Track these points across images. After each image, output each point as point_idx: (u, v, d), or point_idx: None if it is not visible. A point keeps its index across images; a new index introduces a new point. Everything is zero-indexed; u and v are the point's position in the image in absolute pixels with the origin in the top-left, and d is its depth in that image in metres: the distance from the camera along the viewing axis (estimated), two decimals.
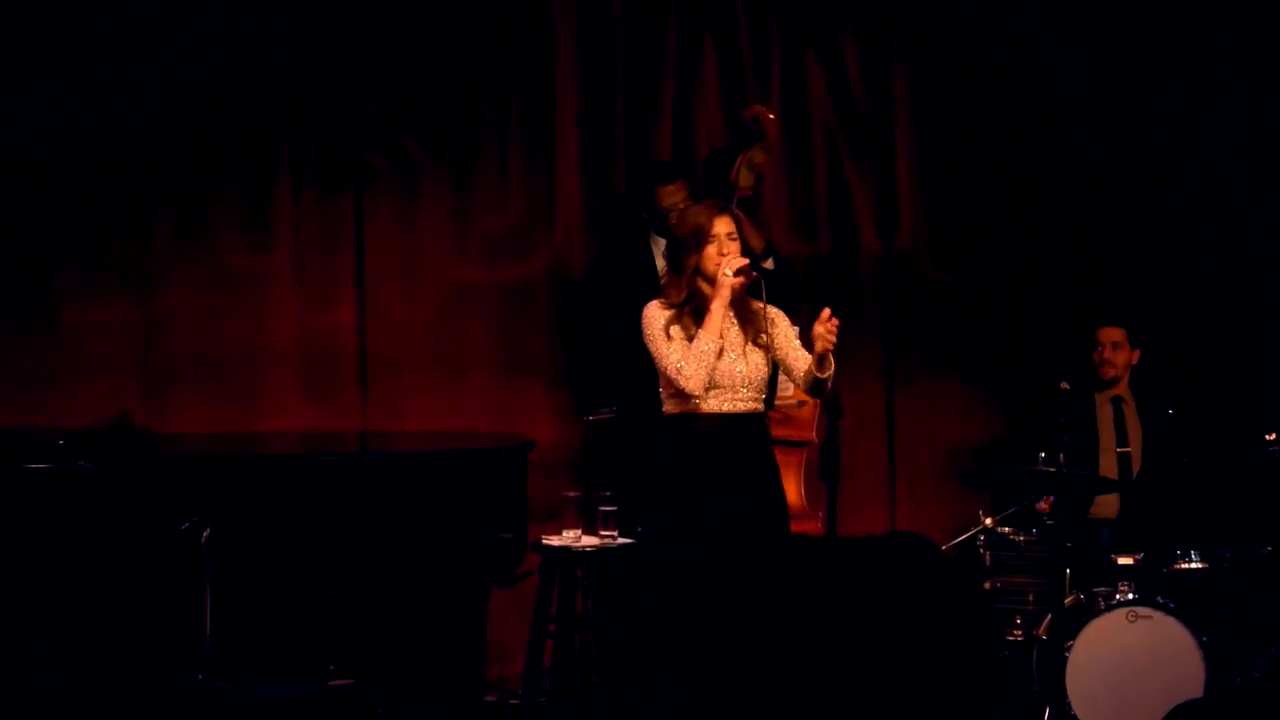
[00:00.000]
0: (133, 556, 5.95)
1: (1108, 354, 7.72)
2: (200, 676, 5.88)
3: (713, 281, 6.01)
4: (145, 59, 7.47)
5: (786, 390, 7.19)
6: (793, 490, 7.14)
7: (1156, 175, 8.44)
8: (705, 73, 8.10)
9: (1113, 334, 7.74)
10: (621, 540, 6.68)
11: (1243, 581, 6.98)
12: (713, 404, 6.06)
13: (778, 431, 6.73)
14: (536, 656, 6.84)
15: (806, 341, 6.01)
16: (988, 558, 7.16)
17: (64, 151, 7.42)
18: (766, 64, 8.15)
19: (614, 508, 6.70)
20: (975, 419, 8.35)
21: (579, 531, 6.74)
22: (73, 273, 7.48)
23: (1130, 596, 6.75)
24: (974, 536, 7.17)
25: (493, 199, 7.92)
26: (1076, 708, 6.66)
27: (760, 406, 6.15)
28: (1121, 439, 7.70)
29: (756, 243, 6.96)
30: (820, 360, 5.92)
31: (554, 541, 6.75)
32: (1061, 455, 6.96)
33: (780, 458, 6.44)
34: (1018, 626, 7.07)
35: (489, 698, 7.22)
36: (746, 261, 6.01)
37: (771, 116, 7.47)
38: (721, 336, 6.01)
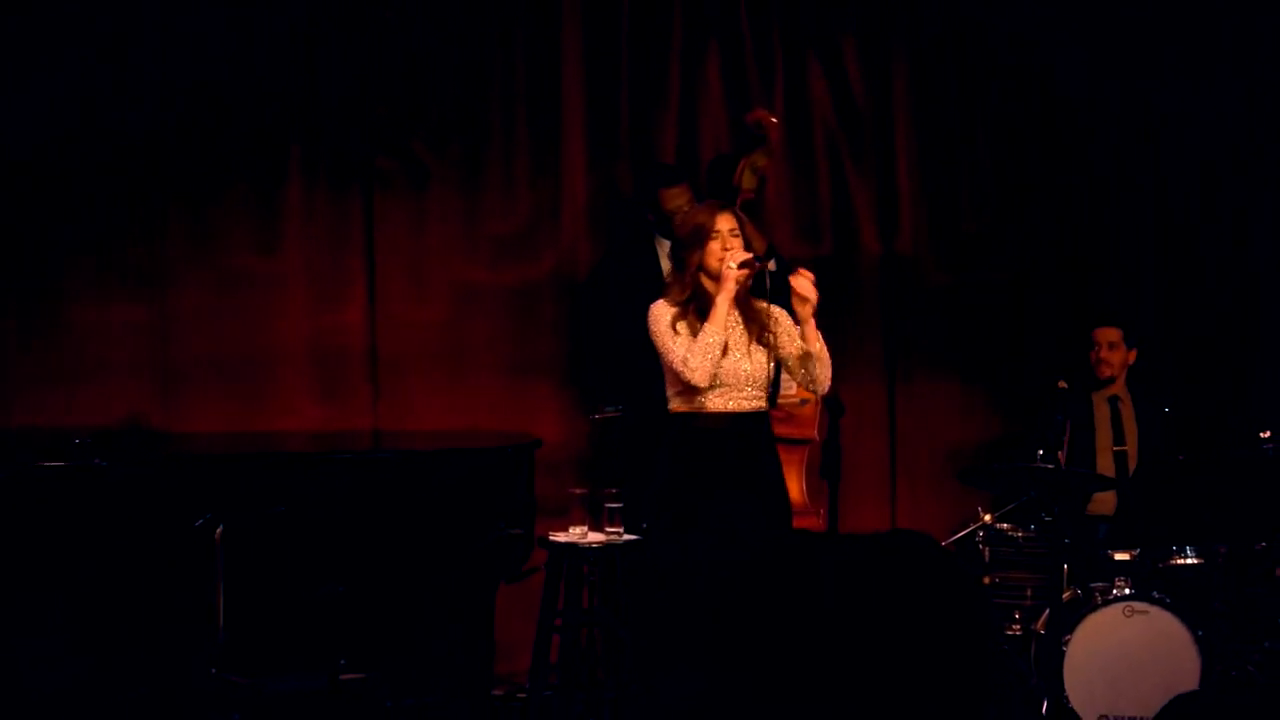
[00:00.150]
0: (147, 553, 5.96)
1: (1104, 353, 7.72)
2: (214, 670, 5.89)
3: (716, 278, 6.03)
4: (155, 62, 7.48)
5: (789, 389, 7.20)
6: (795, 488, 7.15)
7: (1155, 176, 8.43)
8: (709, 76, 8.10)
9: (1109, 334, 7.74)
10: (627, 537, 6.69)
11: (1237, 577, 6.99)
12: (717, 402, 6.07)
13: (780, 430, 6.74)
14: (543, 651, 6.85)
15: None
16: (987, 554, 7.17)
17: (76, 154, 7.43)
18: (769, 68, 8.16)
19: (620, 505, 6.71)
20: (974, 418, 8.35)
21: (585, 528, 6.75)
22: (85, 274, 7.49)
23: (1127, 592, 6.75)
24: (973, 533, 7.17)
25: (500, 201, 7.93)
26: (1074, 701, 6.66)
27: (764, 405, 6.15)
28: (1119, 438, 7.70)
29: (759, 245, 6.94)
30: (805, 330, 5.97)
31: (561, 538, 6.76)
32: (1060, 453, 6.98)
33: (783, 455, 6.45)
34: (1016, 621, 7.09)
35: (496, 692, 7.23)
36: (750, 255, 6.03)
37: (774, 120, 7.47)
38: (726, 333, 6.02)
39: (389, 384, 7.77)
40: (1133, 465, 7.64)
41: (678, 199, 7.35)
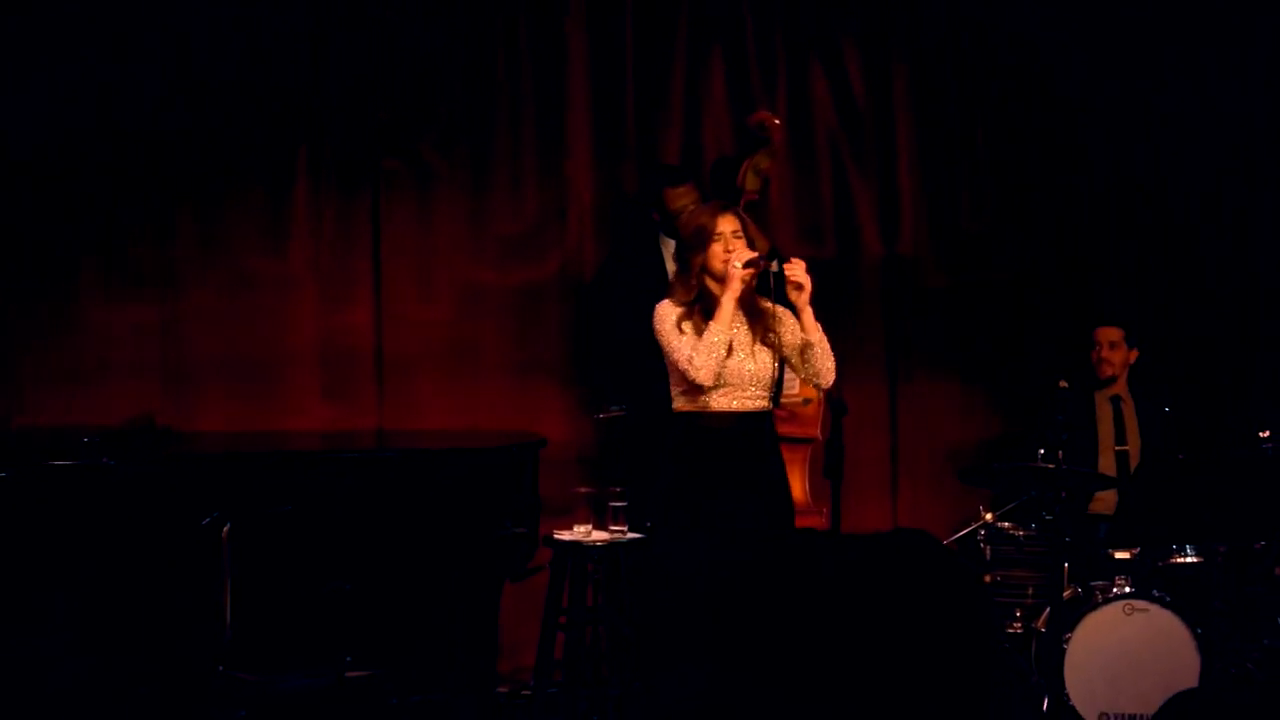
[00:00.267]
0: (155, 551, 5.95)
1: (1105, 353, 7.71)
2: (221, 668, 5.88)
3: (720, 279, 6.04)
4: (164, 64, 7.49)
5: (793, 389, 7.19)
6: (798, 486, 7.13)
7: (1155, 175, 8.41)
8: (713, 79, 8.09)
9: (1110, 334, 7.73)
10: (631, 535, 6.69)
11: (1236, 575, 6.97)
12: (721, 402, 6.07)
13: (784, 429, 6.73)
14: (548, 649, 6.84)
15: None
16: (988, 552, 7.16)
17: (85, 155, 7.45)
18: (772, 70, 8.15)
19: (624, 504, 6.71)
20: (975, 417, 8.33)
21: (590, 527, 6.75)
22: (94, 274, 7.51)
23: (1127, 590, 6.74)
24: (974, 531, 7.17)
25: (506, 202, 7.92)
26: (1074, 698, 6.65)
27: (768, 405, 6.14)
28: (1120, 437, 7.69)
29: (762, 246, 6.93)
30: (803, 319, 5.97)
31: (565, 536, 6.75)
32: (1060, 452, 6.97)
33: (786, 454, 6.44)
34: (1017, 619, 7.08)
35: (501, 689, 7.23)
36: (756, 254, 6.03)
37: (777, 122, 7.47)
38: (731, 333, 6.01)
39: (395, 384, 7.77)
40: (1134, 465, 7.63)
41: (683, 198, 7.34)
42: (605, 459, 7.55)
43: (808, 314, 6.03)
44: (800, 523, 6.79)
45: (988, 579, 7.12)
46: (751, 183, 7.38)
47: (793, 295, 6.02)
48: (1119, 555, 6.90)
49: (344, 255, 7.78)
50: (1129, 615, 6.70)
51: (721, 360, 5.99)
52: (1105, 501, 7.53)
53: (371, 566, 6.24)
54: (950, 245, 8.36)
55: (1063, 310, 8.33)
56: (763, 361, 6.09)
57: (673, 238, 7.26)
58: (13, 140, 7.37)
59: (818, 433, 7.41)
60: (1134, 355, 7.75)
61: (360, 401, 7.73)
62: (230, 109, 7.58)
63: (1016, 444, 7.74)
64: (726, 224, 6.08)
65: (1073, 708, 6.64)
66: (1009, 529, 7.20)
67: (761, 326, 6.12)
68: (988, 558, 7.16)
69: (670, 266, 7.20)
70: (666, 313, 6.09)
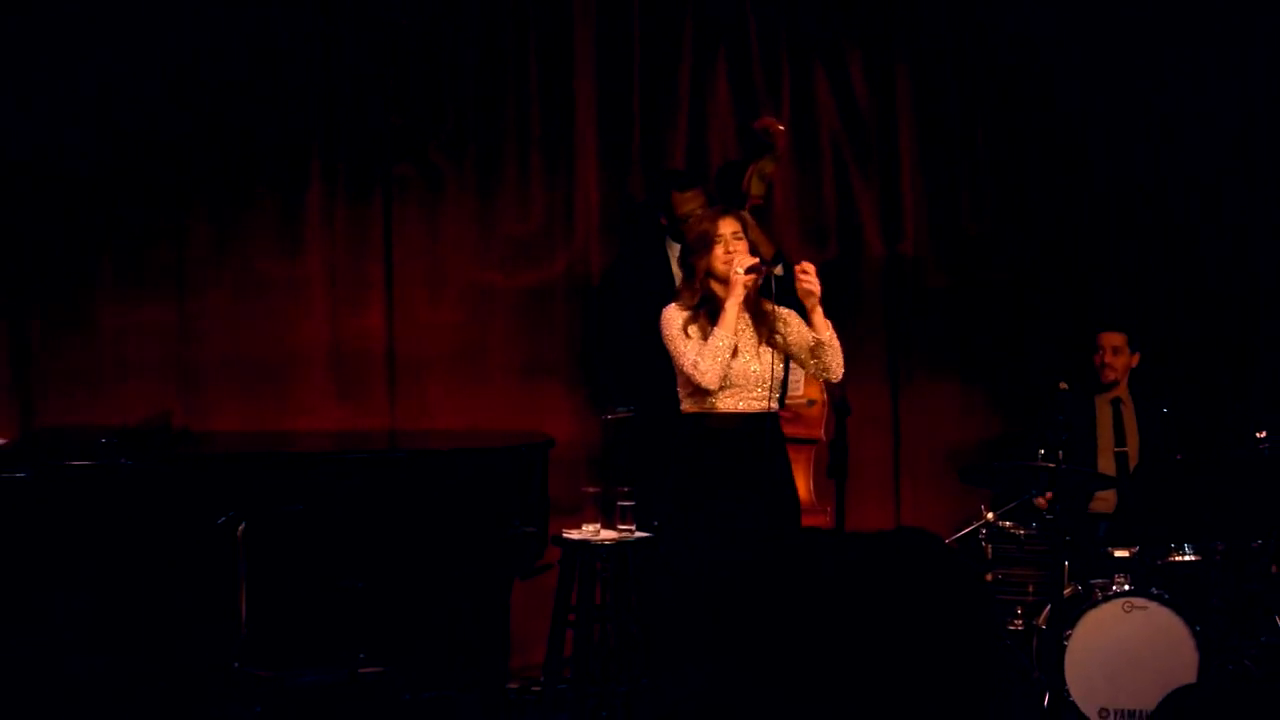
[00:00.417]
0: (171, 549, 5.97)
1: (1108, 358, 7.72)
2: (237, 664, 5.89)
3: (724, 282, 6.06)
4: (179, 72, 7.49)
5: (797, 390, 7.22)
6: (802, 486, 7.14)
7: (1155, 177, 8.41)
8: (718, 84, 8.10)
9: (1113, 339, 7.74)
10: (639, 534, 6.69)
11: (1234, 573, 6.97)
12: (727, 403, 6.09)
13: (788, 430, 6.74)
14: (557, 646, 6.85)
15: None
16: (989, 551, 7.17)
17: (102, 162, 7.45)
18: (776, 76, 8.16)
19: (631, 503, 6.71)
20: (977, 418, 8.34)
21: (598, 526, 6.75)
22: (111, 278, 7.52)
23: (1126, 588, 6.74)
24: (976, 530, 7.17)
25: (514, 206, 7.93)
26: (1075, 694, 6.65)
27: (773, 406, 6.17)
28: (1120, 439, 7.70)
29: (766, 250, 6.97)
30: (813, 320, 5.99)
31: (574, 535, 6.76)
32: (1060, 452, 6.98)
33: (791, 455, 6.46)
34: (1018, 617, 7.08)
35: (511, 686, 7.23)
36: (756, 259, 6.05)
37: (781, 128, 7.48)
38: (736, 336, 6.03)
39: (406, 385, 7.78)
40: (1133, 466, 7.63)
41: (691, 203, 7.35)
42: (613, 459, 7.56)
43: (818, 314, 6.05)
44: (805, 522, 6.79)
45: (989, 577, 7.12)
46: (756, 187, 7.39)
47: (803, 298, 6.04)
48: (1118, 554, 6.90)
49: (356, 258, 7.79)
50: (1128, 613, 6.70)
51: (726, 364, 6.01)
52: (1105, 501, 7.54)
53: (384, 565, 6.25)
54: (952, 246, 8.37)
55: (1063, 311, 8.34)
56: (767, 363, 6.11)
57: (679, 242, 7.28)
58: (29, 146, 7.38)
59: (822, 433, 7.42)
60: (1135, 359, 7.76)
61: (372, 402, 7.74)
62: (243, 114, 7.59)
63: (1017, 444, 7.75)
64: (727, 226, 6.11)
65: (1073, 704, 6.65)
66: (1010, 528, 7.20)
67: (766, 328, 6.14)
68: (989, 556, 7.16)
69: (676, 270, 7.24)
70: (673, 317, 6.13)
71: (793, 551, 3.25)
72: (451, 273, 7.86)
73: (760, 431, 6.13)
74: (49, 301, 7.46)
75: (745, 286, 6.04)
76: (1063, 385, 7.22)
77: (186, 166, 7.55)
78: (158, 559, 5.94)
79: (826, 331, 6.07)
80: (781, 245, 7.64)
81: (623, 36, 8.00)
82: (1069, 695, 6.65)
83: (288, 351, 7.68)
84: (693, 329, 6.08)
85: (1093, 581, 6.83)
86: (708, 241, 6.10)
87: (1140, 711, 6.56)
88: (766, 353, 6.13)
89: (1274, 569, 7.01)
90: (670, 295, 6.27)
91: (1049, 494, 7.11)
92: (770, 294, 6.14)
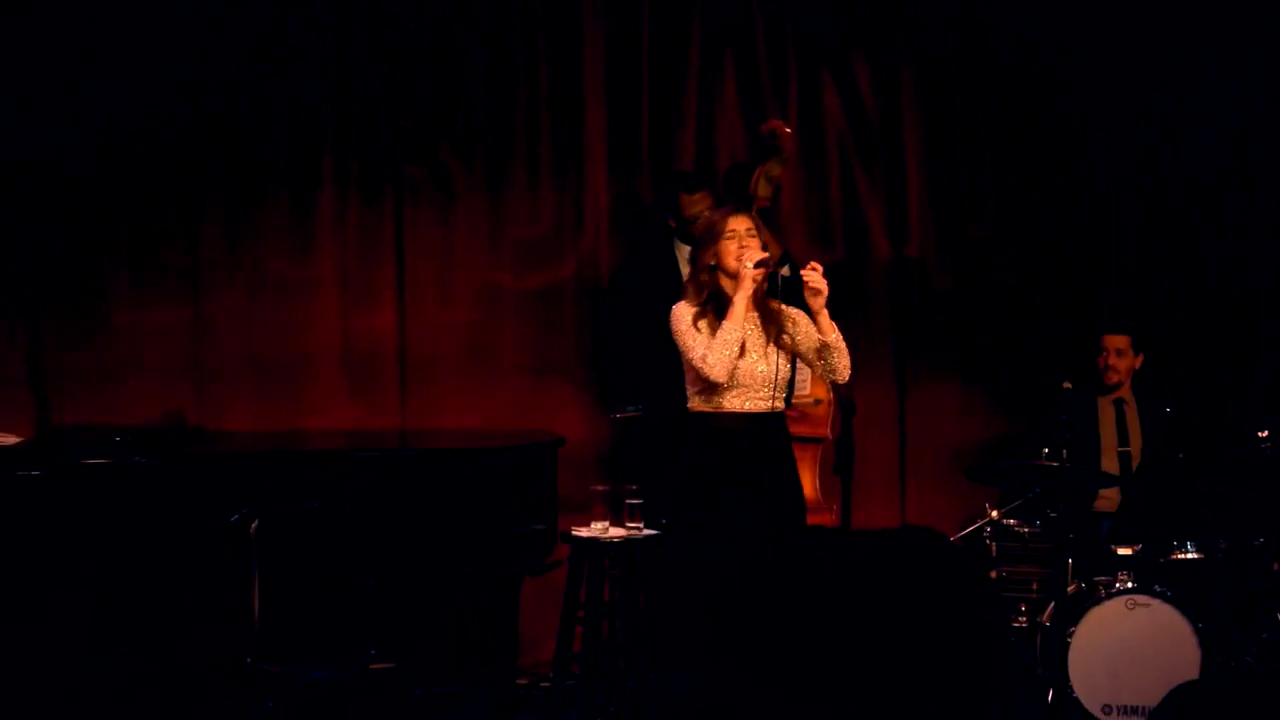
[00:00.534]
0: (184, 547, 5.97)
1: (1112, 360, 7.70)
2: (249, 660, 5.89)
3: (733, 276, 6.08)
4: (192, 74, 7.50)
5: (803, 390, 7.21)
6: (808, 484, 7.13)
7: (1156, 178, 8.38)
8: (726, 88, 8.09)
9: (1117, 341, 7.72)
10: (647, 532, 6.69)
11: (1236, 571, 6.96)
12: (734, 403, 6.09)
13: (795, 429, 6.73)
14: (566, 642, 6.84)
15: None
16: (994, 548, 7.16)
17: (116, 163, 7.46)
18: (783, 80, 8.15)
19: (640, 501, 6.70)
20: (981, 418, 8.32)
21: (607, 523, 6.75)
22: (126, 279, 7.53)
23: (1129, 585, 6.73)
24: (981, 528, 7.16)
25: (524, 208, 7.93)
26: (1078, 691, 6.64)
27: (780, 406, 6.18)
28: (1123, 439, 7.68)
29: (774, 251, 6.96)
30: (819, 322, 5.98)
31: (583, 533, 6.75)
32: (1064, 451, 6.96)
33: (796, 453, 6.45)
34: (1022, 614, 7.06)
35: (520, 681, 7.22)
36: (767, 254, 6.05)
37: (788, 131, 7.46)
38: (744, 333, 6.03)
39: (417, 384, 7.78)
40: (1136, 465, 7.62)
41: (699, 204, 7.36)
42: (621, 458, 7.55)
43: (824, 315, 6.04)
44: (811, 520, 6.79)
45: (994, 575, 7.12)
46: (763, 190, 7.38)
47: (810, 299, 6.03)
48: (1122, 551, 6.89)
49: (367, 259, 7.79)
50: (1131, 610, 6.69)
51: (735, 357, 6.01)
52: (1108, 499, 7.52)
53: (395, 562, 6.25)
54: (957, 248, 8.35)
55: (1066, 312, 8.32)
56: (774, 363, 6.10)
57: (687, 243, 7.28)
58: (43, 150, 7.39)
59: (828, 432, 7.41)
60: (1139, 360, 7.75)
61: (383, 401, 7.74)
62: (256, 116, 7.60)
63: (1021, 443, 7.73)
64: (740, 223, 6.13)
65: (1077, 700, 6.64)
66: (1014, 526, 7.19)
67: (774, 328, 6.14)
68: (994, 554, 7.15)
69: (684, 271, 7.24)
70: (682, 313, 6.13)
71: (797, 549, 3.25)
72: (462, 273, 7.85)
73: (767, 431, 6.13)
74: (63, 302, 7.48)
75: (754, 281, 6.04)
76: (1066, 385, 7.20)
77: (199, 168, 7.56)
78: (171, 556, 5.94)
79: (833, 333, 6.06)
80: (788, 247, 7.63)
81: (631, 40, 8.00)
82: (1073, 691, 6.64)
83: (300, 351, 7.68)
84: (702, 324, 6.09)
85: (1096, 579, 6.82)
86: (718, 236, 6.11)
87: (1143, 707, 6.55)
88: (774, 353, 6.12)
89: (1275, 566, 7.00)
90: (678, 296, 6.27)
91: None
92: (775, 294, 6.13)
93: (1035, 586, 7.12)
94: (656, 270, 7.44)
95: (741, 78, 8.10)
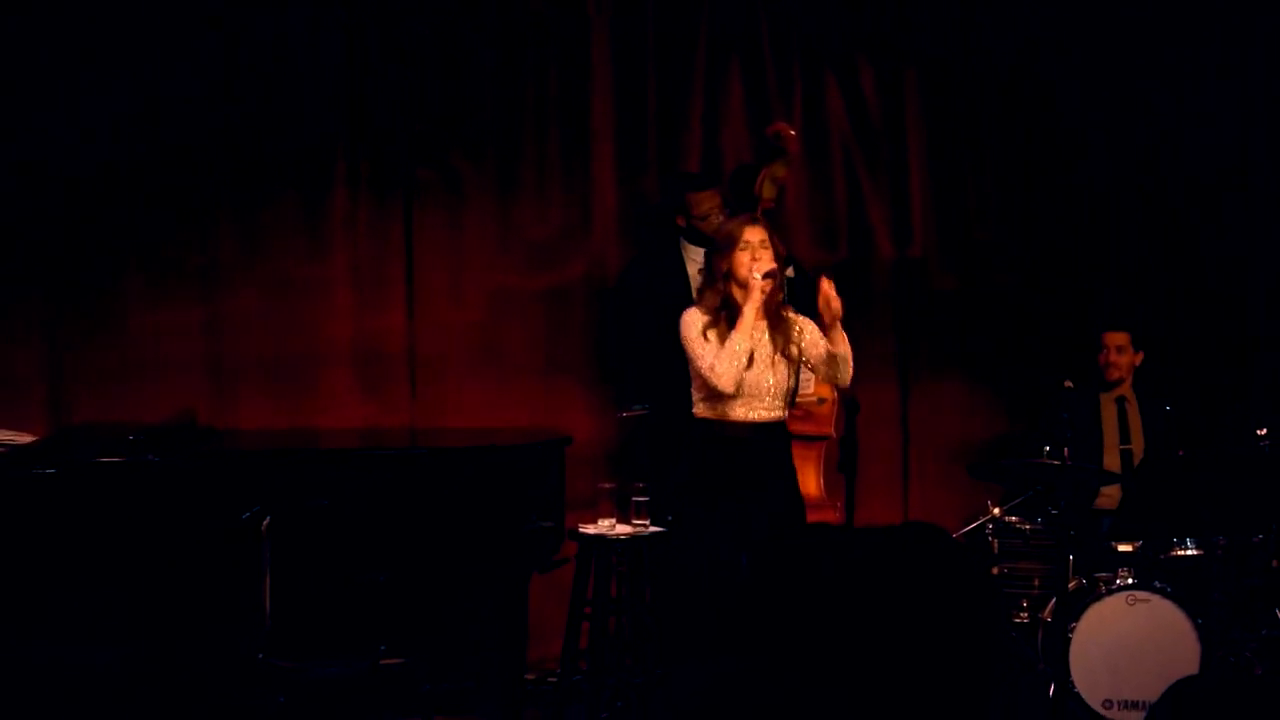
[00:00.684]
0: (197, 543, 5.95)
1: (1113, 357, 7.68)
2: (260, 656, 5.87)
3: (744, 286, 6.08)
4: (210, 83, 7.50)
5: (808, 389, 7.19)
6: (813, 481, 7.13)
7: (1155, 177, 8.35)
8: (731, 91, 8.08)
9: (1118, 338, 7.70)
10: (654, 529, 6.67)
11: (1236, 568, 6.94)
12: (739, 412, 6.13)
13: (799, 427, 6.72)
14: (573, 638, 6.83)
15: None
16: (996, 545, 7.14)
17: (131, 168, 7.45)
18: (789, 83, 8.13)
19: (646, 499, 6.69)
20: (983, 416, 8.30)
21: (613, 521, 6.74)
22: (141, 279, 7.52)
23: (1130, 581, 6.72)
24: (983, 525, 7.15)
25: (533, 209, 7.92)
26: (1079, 685, 6.63)
27: (783, 415, 6.22)
28: (1124, 437, 7.66)
29: (778, 252, 6.96)
30: (831, 335, 5.98)
31: (590, 530, 6.74)
32: (1065, 449, 6.94)
33: (801, 451, 6.46)
34: (1024, 609, 7.05)
35: (529, 676, 7.21)
36: (775, 265, 6.06)
37: (792, 133, 7.46)
38: (752, 342, 6.05)
39: (427, 383, 7.77)
40: (1137, 463, 7.60)
41: (708, 202, 7.37)
42: (628, 456, 7.54)
43: (837, 330, 6.04)
44: (815, 517, 6.80)
45: (996, 571, 7.10)
46: (768, 191, 7.37)
47: (825, 314, 6.01)
48: (1122, 548, 6.87)
49: (379, 260, 7.78)
50: (1132, 606, 6.68)
51: (743, 368, 6.04)
52: (1109, 497, 7.50)
53: (405, 559, 6.23)
54: (959, 248, 8.33)
55: (1068, 312, 8.29)
56: (782, 375, 6.15)
57: (694, 242, 7.30)
58: (62, 152, 7.38)
59: (832, 430, 7.39)
60: (1139, 358, 7.72)
61: (393, 400, 7.73)
62: (269, 121, 7.59)
63: (1023, 441, 7.70)
64: (753, 234, 6.17)
65: (1078, 694, 6.62)
66: (1016, 523, 7.18)
67: (783, 339, 6.17)
68: (996, 550, 7.14)
69: (691, 271, 7.25)
70: (693, 320, 6.16)
71: (801, 545, 3.23)
72: (471, 274, 7.84)
73: (769, 439, 6.18)
74: (78, 303, 7.47)
75: (763, 292, 6.07)
76: (1068, 384, 7.19)
77: (213, 170, 7.55)
78: (183, 553, 5.91)
79: (845, 347, 6.06)
80: (793, 248, 7.62)
81: (638, 44, 7.98)
82: (1074, 686, 6.62)
83: (311, 351, 7.67)
84: (711, 333, 6.12)
85: (1097, 575, 6.80)
86: (732, 245, 6.13)
87: (1143, 702, 6.53)
88: (781, 363, 6.16)
89: (1275, 563, 6.98)
90: (685, 296, 6.28)
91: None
92: (782, 288, 6.16)
93: (1037, 583, 7.11)
94: (664, 270, 7.43)
95: (747, 80, 8.08)
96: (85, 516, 5.85)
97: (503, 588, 6.54)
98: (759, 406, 6.13)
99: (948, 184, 8.32)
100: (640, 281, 7.59)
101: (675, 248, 7.49)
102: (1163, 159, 8.34)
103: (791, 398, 6.30)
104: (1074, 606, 6.70)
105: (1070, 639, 6.64)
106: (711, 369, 6.03)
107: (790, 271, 7.24)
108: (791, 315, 6.21)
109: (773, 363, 6.13)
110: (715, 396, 6.12)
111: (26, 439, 6.40)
